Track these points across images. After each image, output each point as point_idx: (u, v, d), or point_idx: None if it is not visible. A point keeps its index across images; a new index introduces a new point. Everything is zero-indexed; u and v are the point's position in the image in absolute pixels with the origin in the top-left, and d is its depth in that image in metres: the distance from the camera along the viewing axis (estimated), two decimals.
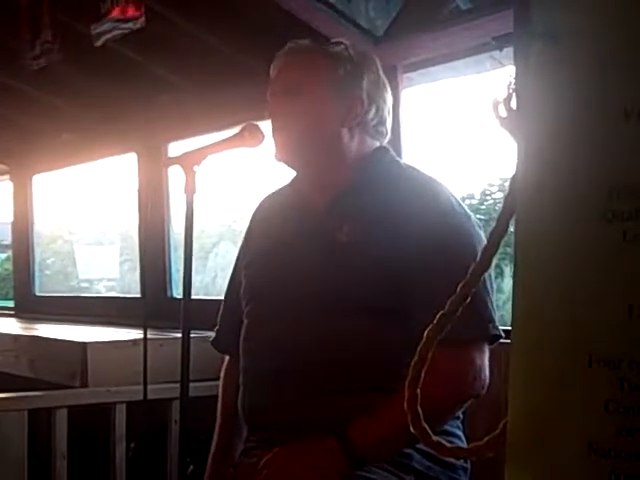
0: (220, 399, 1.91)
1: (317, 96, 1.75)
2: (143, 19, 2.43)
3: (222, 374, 1.94)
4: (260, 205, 1.96)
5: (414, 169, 1.81)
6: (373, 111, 1.76)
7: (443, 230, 1.64)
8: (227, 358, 1.94)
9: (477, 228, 1.70)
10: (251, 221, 1.95)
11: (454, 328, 1.55)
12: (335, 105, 1.74)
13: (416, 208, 1.66)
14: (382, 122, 1.79)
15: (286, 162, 1.80)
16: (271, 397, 1.71)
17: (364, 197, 1.72)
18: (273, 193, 1.95)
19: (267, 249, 1.84)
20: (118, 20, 2.53)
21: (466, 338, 1.55)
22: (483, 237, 1.68)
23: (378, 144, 1.80)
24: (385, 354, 1.65)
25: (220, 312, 1.97)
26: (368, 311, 1.65)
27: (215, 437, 1.89)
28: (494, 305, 1.63)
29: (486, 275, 1.62)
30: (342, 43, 1.80)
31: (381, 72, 1.82)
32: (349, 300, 1.66)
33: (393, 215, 1.67)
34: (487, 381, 1.62)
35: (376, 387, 1.64)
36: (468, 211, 1.73)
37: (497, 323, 1.63)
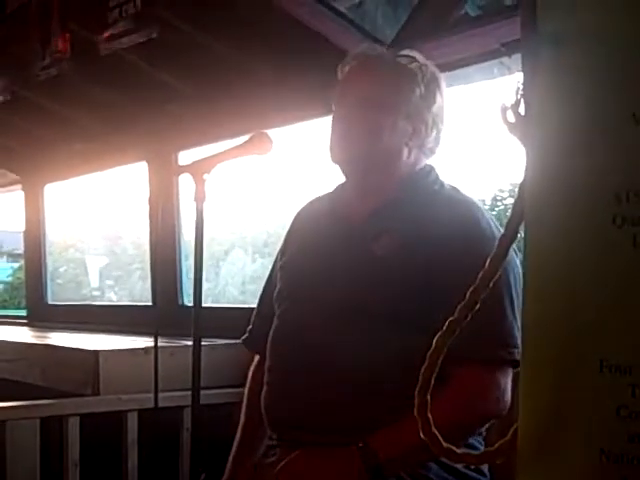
0: (246, 399, 1.92)
1: (388, 113, 1.76)
2: (151, 30, 2.44)
3: (250, 374, 1.94)
4: (303, 209, 1.98)
5: (456, 190, 1.83)
6: (434, 135, 1.79)
7: (475, 255, 1.63)
8: (256, 358, 1.95)
9: (513, 256, 1.69)
10: (292, 223, 1.97)
11: (484, 349, 1.58)
12: (403, 125, 1.76)
13: (451, 229, 1.67)
14: (438, 144, 1.82)
15: (341, 167, 1.82)
16: (293, 398, 1.71)
17: (403, 212, 1.74)
18: (317, 198, 1.96)
19: (304, 253, 1.85)
20: (125, 31, 2.54)
21: (494, 360, 1.62)
22: (518, 263, 1.68)
23: (426, 160, 1.83)
24: (409, 366, 1.65)
25: (254, 312, 1.98)
26: (396, 324, 1.66)
27: (237, 436, 1.89)
28: (520, 330, 1.64)
29: (515, 301, 1.64)
30: (415, 60, 1.81)
31: (445, 93, 1.83)
32: (377, 312, 1.67)
33: (428, 233, 1.68)
34: (509, 403, 1.63)
35: (398, 398, 1.64)
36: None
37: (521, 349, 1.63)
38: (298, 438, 1.67)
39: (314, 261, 1.80)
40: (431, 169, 1.83)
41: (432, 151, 1.82)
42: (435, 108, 1.79)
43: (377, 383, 1.67)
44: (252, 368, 1.95)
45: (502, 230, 1.67)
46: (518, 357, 1.62)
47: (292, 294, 1.82)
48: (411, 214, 1.73)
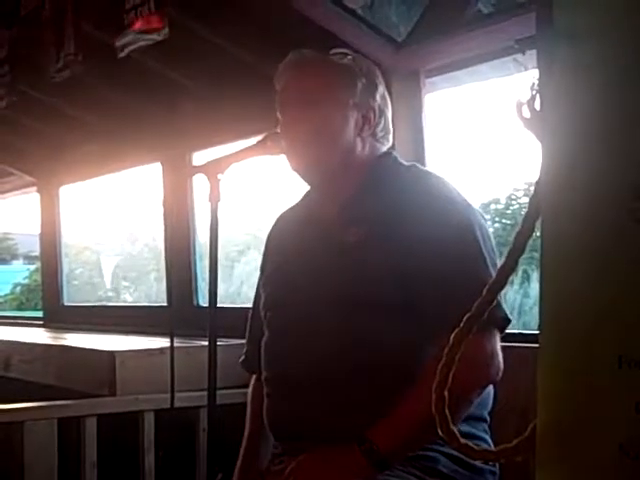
0: (249, 407, 1.93)
1: (336, 109, 1.78)
2: (167, 30, 2.45)
3: (250, 389, 1.96)
4: (275, 223, 2.00)
5: (415, 168, 1.85)
6: (382, 122, 1.83)
7: (445, 225, 1.67)
8: (254, 376, 1.96)
9: (478, 216, 1.73)
10: (267, 239, 2.00)
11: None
12: (352, 117, 1.78)
13: (417, 208, 1.69)
14: (388, 131, 1.86)
15: (303, 174, 1.83)
16: (293, 406, 1.72)
17: (371, 200, 1.76)
18: (287, 210, 1.99)
19: (283, 262, 1.87)
20: (141, 32, 2.55)
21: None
22: (484, 225, 1.72)
23: (384, 149, 1.85)
24: (403, 354, 1.66)
25: (247, 333, 1.99)
26: (382, 310, 1.66)
27: (243, 443, 1.90)
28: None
29: (488, 259, 1.65)
30: (347, 54, 1.84)
31: (383, 82, 1.87)
32: (362, 300, 1.67)
33: (397, 215, 1.69)
34: (501, 367, 1.62)
35: (392, 388, 1.64)
36: (467, 200, 1.75)
37: (503, 306, 1.63)
38: (303, 447, 1.66)
39: (295, 267, 1.81)
40: (389, 155, 1.85)
41: (385, 138, 1.85)
42: (378, 96, 1.82)
43: (370, 378, 1.66)
44: (251, 384, 1.96)
45: (463, 195, 1.71)
46: (500, 314, 1.61)
47: (277, 302, 1.84)
48: (378, 200, 1.75)
